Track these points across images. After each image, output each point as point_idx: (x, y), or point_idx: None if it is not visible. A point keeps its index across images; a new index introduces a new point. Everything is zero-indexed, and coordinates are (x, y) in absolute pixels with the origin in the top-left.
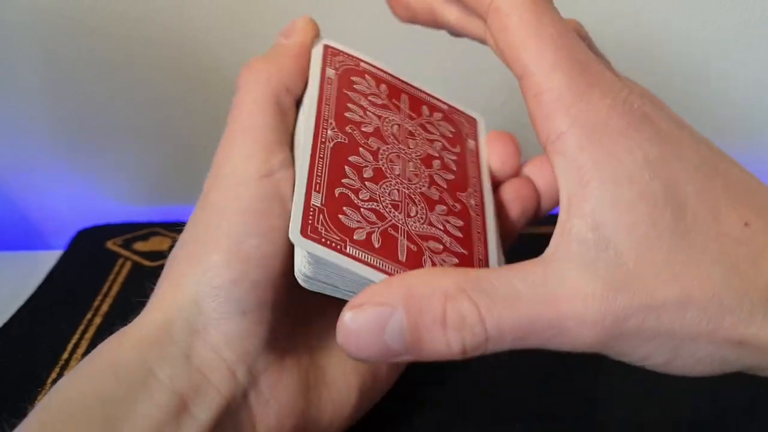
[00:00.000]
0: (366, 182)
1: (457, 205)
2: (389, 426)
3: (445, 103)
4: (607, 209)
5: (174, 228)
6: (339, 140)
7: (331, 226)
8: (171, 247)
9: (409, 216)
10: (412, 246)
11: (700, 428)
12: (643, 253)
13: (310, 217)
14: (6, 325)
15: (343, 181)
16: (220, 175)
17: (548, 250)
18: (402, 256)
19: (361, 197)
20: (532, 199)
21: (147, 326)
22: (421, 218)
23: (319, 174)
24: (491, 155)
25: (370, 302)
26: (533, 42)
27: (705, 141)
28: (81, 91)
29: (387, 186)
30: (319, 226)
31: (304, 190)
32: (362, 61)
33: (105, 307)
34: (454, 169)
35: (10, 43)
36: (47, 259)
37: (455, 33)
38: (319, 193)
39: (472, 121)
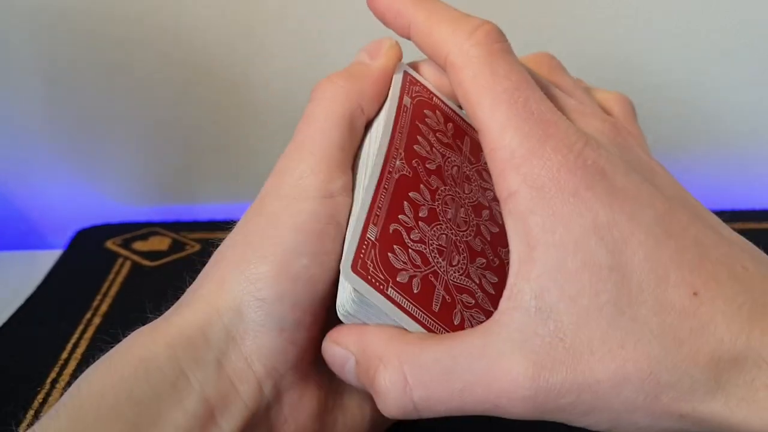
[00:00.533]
0: (420, 222)
1: (496, 260)
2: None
3: None
4: (551, 276)
5: (173, 228)
6: (404, 173)
7: (379, 264)
8: (171, 246)
9: (451, 264)
10: (447, 297)
11: None
12: (582, 327)
13: (363, 251)
14: (5, 324)
15: (399, 217)
16: (282, 185)
17: (495, 315)
18: (436, 306)
19: (412, 237)
20: None
21: (183, 325)
22: (461, 268)
23: (380, 206)
24: None
25: (337, 341)
26: (486, 98)
27: (667, 194)
28: (80, 91)
29: (437, 229)
30: (369, 263)
31: (363, 221)
32: (435, 95)
33: (104, 307)
34: (501, 222)
35: (10, 43)
36: (46, 259)
37: None
38: (376, 226)
39: None
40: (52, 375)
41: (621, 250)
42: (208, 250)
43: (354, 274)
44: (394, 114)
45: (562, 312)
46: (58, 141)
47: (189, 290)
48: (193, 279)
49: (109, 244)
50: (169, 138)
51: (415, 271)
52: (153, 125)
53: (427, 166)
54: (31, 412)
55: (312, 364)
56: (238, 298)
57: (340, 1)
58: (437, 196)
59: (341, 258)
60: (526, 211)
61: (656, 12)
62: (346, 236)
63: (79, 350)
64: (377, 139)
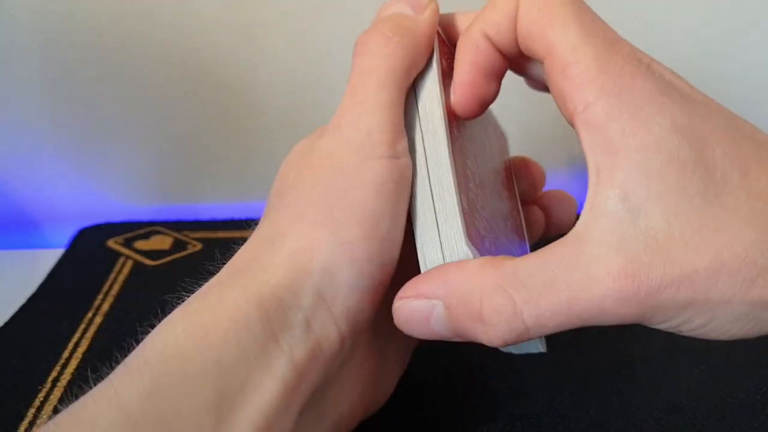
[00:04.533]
0: (478, 189)
1: (514, 221)
2: (388, 419)
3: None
4: (636, 178)
5: (175, 227)
6: (460, 141)
7: (471, 233)
8: (173, 245)
9: (499, 228)
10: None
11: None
12: (673, 221)
13: (467, 221)
14: (7, 323)
15: (469, 185)
16: (351, 141)
17: (578, 228)
18: None
19: (479, 206)
20: (537, 227)
21: (273, 284)
22: (508, 230)
23: (455, 175)
24: (521, 179)
25: (414, 295)
26: (558, 20)
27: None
28: (82, 90)
29: (483, 194)
30: (472, 232)
31: (455, 191)
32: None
33: (106, 306)
34: (506, 184)
35: (12, 42)
36: (48, 258)
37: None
38: (464, 195)
39: (503, 139)
40: (54, 373)
41: (702, 148)
42: (210, 249)
43: (472, 246)
44: (438, 78)
45: (650, 210)
46: (60, 140)
47: (268, 248)
48: (195, 279)
49: (111, 243)
50: (171, 137)
51: (488, 236)
52: (155, 125)
53: (463, 131)
54: (33, 410)
55: (374, 326)
56: (330, 259)
57: (341, 1)
58: (476, 162)
59: (437, 227)
60: (605, 119)
61: (662, 13)
62: (437, 206)
63: (81, 349)
64: (433, 104)
